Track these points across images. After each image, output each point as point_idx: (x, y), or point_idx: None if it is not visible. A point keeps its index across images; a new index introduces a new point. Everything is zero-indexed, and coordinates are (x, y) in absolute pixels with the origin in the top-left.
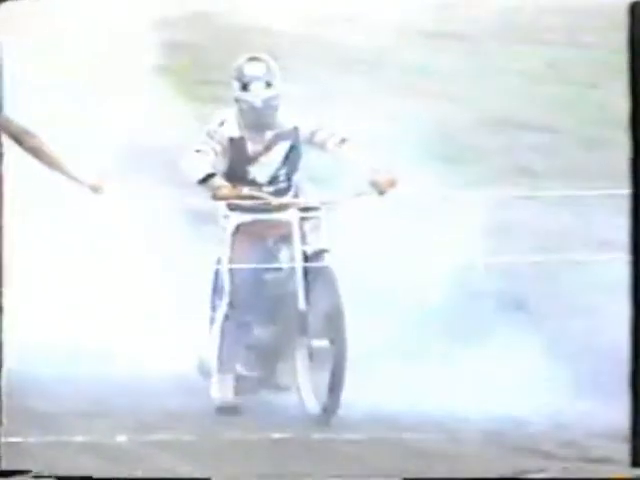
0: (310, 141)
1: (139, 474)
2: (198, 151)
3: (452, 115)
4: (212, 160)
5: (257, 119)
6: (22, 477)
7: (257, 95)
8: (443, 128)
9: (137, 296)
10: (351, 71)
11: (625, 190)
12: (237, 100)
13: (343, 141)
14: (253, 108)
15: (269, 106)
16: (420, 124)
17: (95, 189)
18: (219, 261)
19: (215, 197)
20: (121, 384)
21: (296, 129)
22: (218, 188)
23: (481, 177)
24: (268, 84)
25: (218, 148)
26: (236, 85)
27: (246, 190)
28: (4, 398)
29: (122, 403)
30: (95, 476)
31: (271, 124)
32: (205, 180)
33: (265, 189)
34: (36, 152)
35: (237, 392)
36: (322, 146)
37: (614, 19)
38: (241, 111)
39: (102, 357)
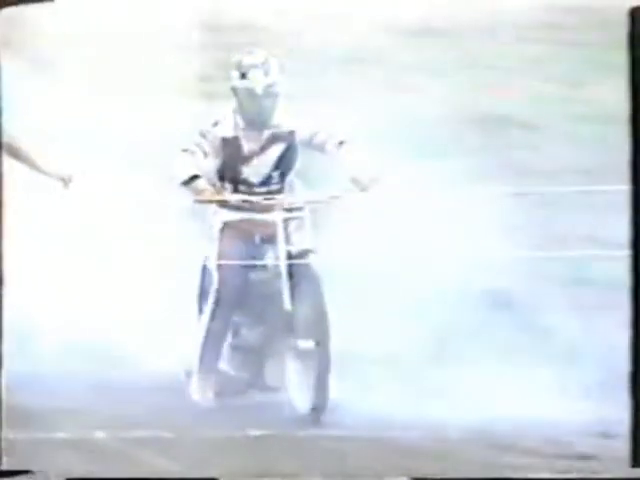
0: (309, 143)
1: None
2: (185, 150)
3: (437, 112)
4: (200, 160)
5: (258, 110)
6: (22, 477)
7: (256, 81)
8: (427, 124)
9: (127, 294)
10: (336, 68)
11: (616, 187)
12: (235, 90)
13: (342, 143)
14: (253, 96)
15: (269, 93)
16: (404, 121)
17: (65, 182)
18: (206, 259)
19: (197, 201)
20: (107, 381)
21: (292, 132)
22: (201, 192)
23: (467, 174)
24: (267, 72)
25: (208, 149)
26: (235, 75)
27: (228, 195)
28: None
29: (106, 400)
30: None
31: (270, 117)
32: (188, 182)
33: (257, 190)
34: (10, 150)
35: (225, 392)
36: (321, 148)
37: (600, 17)
38: (240, 105)
39: (88, 354)
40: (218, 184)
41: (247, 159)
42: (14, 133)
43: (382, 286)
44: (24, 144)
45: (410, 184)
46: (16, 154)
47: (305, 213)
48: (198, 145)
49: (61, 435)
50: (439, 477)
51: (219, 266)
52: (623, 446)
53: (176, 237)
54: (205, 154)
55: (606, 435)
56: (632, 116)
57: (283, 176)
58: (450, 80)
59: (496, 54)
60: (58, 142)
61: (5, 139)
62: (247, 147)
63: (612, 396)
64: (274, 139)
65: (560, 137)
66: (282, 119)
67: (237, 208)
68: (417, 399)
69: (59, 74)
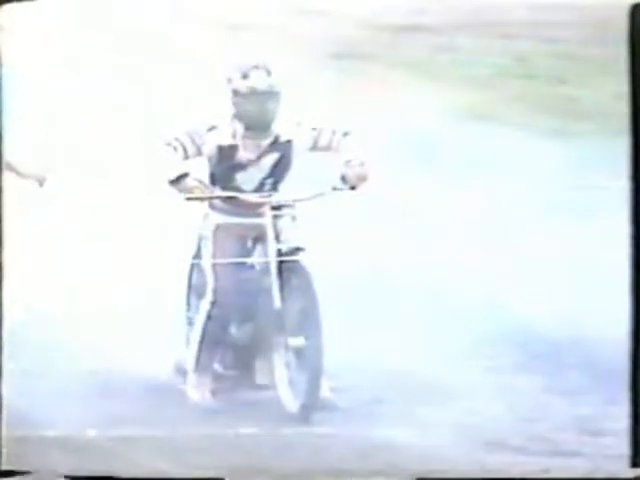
0: (315, 148)
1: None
2: (168, 145)
3: (421, 108)
4: (180, 159)
5: (259, 113)
6: (22, 477)
7: (259, 81)
8: (412, 121)
9: (118, 292)
10: (321, 64)
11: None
12: (236, 93)
13: (346, 134)
14: (255, 97)
15: (271, 93)
16: (389, 117)
17: (41, 181)
18: (196, 256)
19: (189, 198)
20: (95, 380)
21: (289, 142)
22: (191, 189)
23: (456, 171)
24: (269, 72)
25: (192, 151)
26: (235, 76)
27: (219, 192)
28: None
29: (96, 398)
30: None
31: (273, 119)
32: (177, 181)
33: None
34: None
35: (215, 391)
36: (328, 147)
37: (584, 14)
38: (240, 109)
39: (77, 352)
40: (208, 182)
41: (242, 167)
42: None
43: (372, 284)
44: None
45: (398, 182)
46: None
47: (294, 211)
48: (181, 144)
49: (52, 433)
50: (439, 477)
51: (214, 268)
52: (614, 444)
53: (166, 235)
54: (186, 155)
55: (596, 433)
56: (632, 114)
57: (276, 184)
58: (439, 77)
59: (490, 51)
60: (54, 141)
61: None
62: (244, 156)
63: (603, 394)
64: (272, 149)
65: (552, 135)
66: (282, 127)
67: (229, 212)
68: (407, 398)
69: (55, 71)
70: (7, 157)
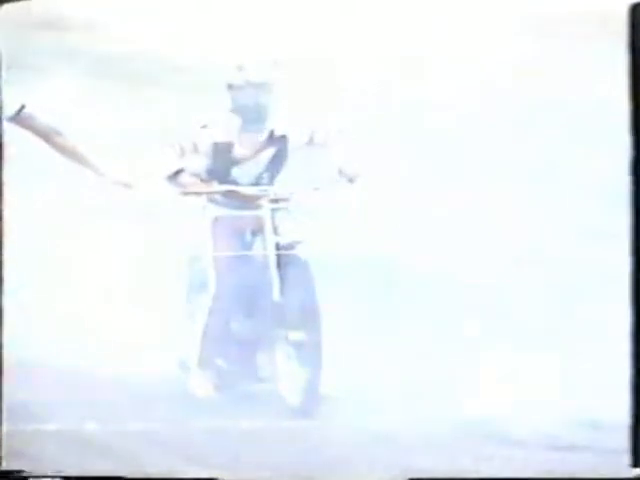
0: (310, 144)
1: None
2: (164, 141)
3: (424, 105)
4: (176, 156)
5: (255, 105)
6: (21, 477)
7: (254, 73)
8: (414, 118)
9: (120, 287)
10: (319, 63)
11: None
12: (231, 86)
13: (340, 132)
14: (250, 89)
15: (266, 86)
16: (391, 113)
17: (126, 185)
18: (196, 250)
19: (185, 193)
20: (99, 377)
21: (285, 136)
22: (187, 185)
23: (453, 166)
24: (264, 65)
25: (188, 147)
26: (231, 69)
27: (216, 186)
28: None
29: (99, 392)
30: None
31: (267, 112)
32: (173, 177)
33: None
34: (63, 150)
35: (218, 385)
36: (324, 144)
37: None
38: (236, 103)
39: (80, 349)
40: (205, 178)
41: (238, 162)
42: (62, 131)
43: (369, 277)
44: (81, 146)
45: (395, 175)
46: (71, 156)
47: (292, 204)
48: (177, 141)
49: (53, 427)
50: (439, 477)
51: (215, 261)
52: (614, 437)
53: (166, 230)
54: (182, 152)
55: (596, 426)
56: (632, 113)
57: (272, 177)
58: (437, 74)
59: (489, 49)
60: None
61: (60, 140)
62: (240, 151)
63: (603, 388)
64: (268, 143)
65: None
66: (277, 122)
67: (227, 205)
68: (407, 391)
69: (57, 69)
70: (95, 163)
